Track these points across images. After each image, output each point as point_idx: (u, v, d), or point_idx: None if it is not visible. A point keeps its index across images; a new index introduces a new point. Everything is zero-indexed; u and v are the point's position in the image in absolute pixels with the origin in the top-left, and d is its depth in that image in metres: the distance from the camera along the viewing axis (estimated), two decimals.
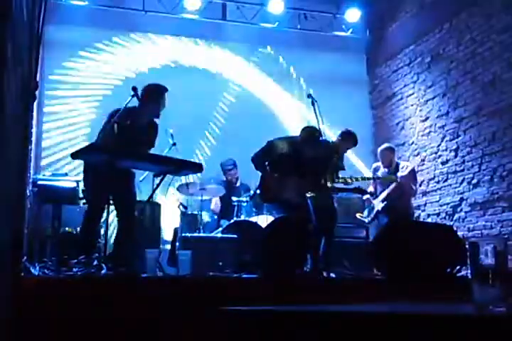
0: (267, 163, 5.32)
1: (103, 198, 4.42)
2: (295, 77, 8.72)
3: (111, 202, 4.47)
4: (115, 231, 4.78)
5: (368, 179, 6.24)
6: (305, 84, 8.67)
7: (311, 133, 5.20)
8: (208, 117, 8.22)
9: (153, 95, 4.73)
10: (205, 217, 6.27)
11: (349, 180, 5.61)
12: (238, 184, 6.77)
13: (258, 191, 5.61)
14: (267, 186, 5.30)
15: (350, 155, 5.88)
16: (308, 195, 5.16)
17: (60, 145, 7.52)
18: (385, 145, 6.54)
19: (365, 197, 6.38)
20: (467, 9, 6.94)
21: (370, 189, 6.39)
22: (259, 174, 5.42)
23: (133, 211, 4.67)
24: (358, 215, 6.41)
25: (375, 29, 8.94)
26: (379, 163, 6.48)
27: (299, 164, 5.16)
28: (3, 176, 2.46)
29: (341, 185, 5.64)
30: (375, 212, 6.21)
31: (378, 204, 6.20)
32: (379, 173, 6.35)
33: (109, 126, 4.49)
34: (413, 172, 6.34)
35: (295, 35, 8.53)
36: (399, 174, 6.21)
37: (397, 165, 6.35)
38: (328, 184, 5.32)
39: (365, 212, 6.33)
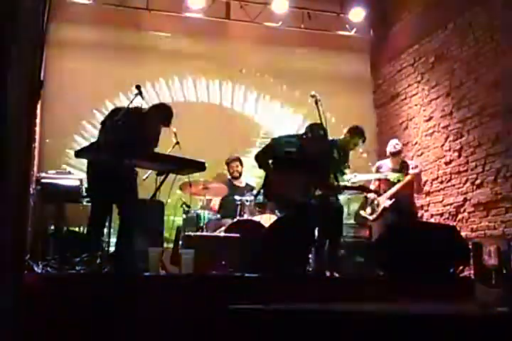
0: (271, 161, 5.31)
1: (106, 197, 4.42)
2: (298, 77, 8.69)
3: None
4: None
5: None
6: (308, 84, 8.64)
7: (316, 131, 5.17)
8: None
9: (158, 116, 4.73)
10: (208, 215, 6.26)
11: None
12: (243, 184, 6.76)
13: (262, 190, 5.60)
14: (271, 184, 5.29)
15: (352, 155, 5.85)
16: (313, 194, 5.14)
17: (64, 143, 7.51)
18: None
19: (368, 195, 6.38)
20: (471, 9, 6.92)
21: (373, 187, 6.40)
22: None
23: (134, 210, 4.66)
24: (362, 213, 6.40)
25: (379, 29, 8.91)
26: (382, 162, 6.51)
27: (304, 162, 5.14)
28: (6, 174, 2.46)
29: (346, 183, 5.61)
30: (380, 209, 6.20)
31: (385, 202, 6.18)
32: (382, 171, 6.37)
33: (112, 124, 4.49)
34: (420, 171, 6.46)
35: (299, 35, 8.51)
36: (410, 172, 6.25)
37: (406, 163, 6.40)
38: (333, 182, 5.30)
39: (368, 210, 6.32)
